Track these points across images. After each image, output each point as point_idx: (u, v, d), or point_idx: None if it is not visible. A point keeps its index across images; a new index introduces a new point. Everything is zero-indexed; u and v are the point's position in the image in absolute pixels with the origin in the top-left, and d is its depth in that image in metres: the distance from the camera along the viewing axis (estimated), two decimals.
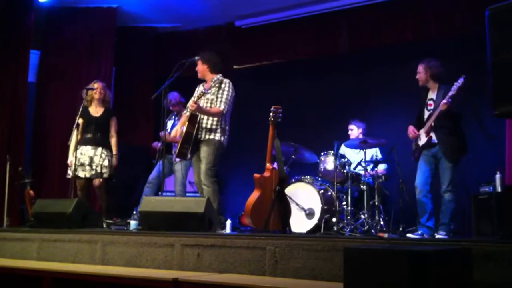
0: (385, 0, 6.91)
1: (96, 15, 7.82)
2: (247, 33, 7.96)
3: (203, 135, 5.23)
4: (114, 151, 5.95)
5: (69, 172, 5.75)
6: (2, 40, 7.18)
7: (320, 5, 7.33)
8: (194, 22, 8.22)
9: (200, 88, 5.48)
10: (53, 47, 7.90)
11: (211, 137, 5.22)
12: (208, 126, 5.23)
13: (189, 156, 5.25)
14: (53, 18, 7.87)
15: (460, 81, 4.90)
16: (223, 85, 5.27)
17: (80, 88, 6.36)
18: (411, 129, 5.32)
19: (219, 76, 5.36)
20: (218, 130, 5.24)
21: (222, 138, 5.27)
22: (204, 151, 5.19)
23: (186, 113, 5.45)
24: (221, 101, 5.23)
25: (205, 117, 5.25)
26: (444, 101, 4.94)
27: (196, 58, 5.43)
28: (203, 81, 5.50)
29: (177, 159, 6.25)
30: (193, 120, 5.17)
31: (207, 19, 8.06)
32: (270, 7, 7.58)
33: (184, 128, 5.20)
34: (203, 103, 5.25)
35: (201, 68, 5.43)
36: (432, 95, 5.28)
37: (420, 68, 5.30)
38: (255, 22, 7.85)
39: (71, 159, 5.79)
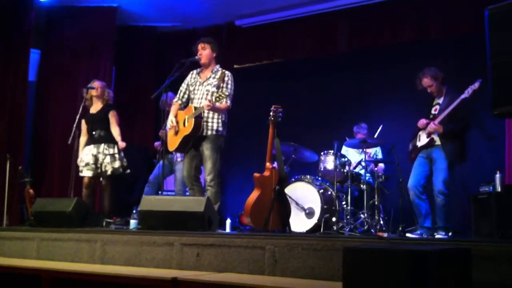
0: None
1: (96, 14, 7.83)
2: (247, 33, 7.96)
3: (205, 132, 5.04)
4: (119, 141, 5.86)
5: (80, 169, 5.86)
6: (3, 39, 7.19)
7: (320, 5, 7.33)
8: (194, 22, 8.22)
9: (196, 77, 5.28)
10: (53, 46, 7.92)
11: (214, 132, 5.05)
12: (210, 123, 5.05)
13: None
14: (53, 17, 7.89)
15: (477, 84, 4.79)
16: (226, 79, 5.07)
17: (79, 87, 6.36)
18: (421, 121, 5.23)
19: (218, 67, 5.24)
20: (220, 125, 5.08)
21: (224, 131, 5.13)
22: (207, 148, 5.01)
23: (176, 101, 5.30)
24: (227, 96, 5.04)
25: (209, 114, 5.06)
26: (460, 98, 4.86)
27: (202, 44, 5.24)
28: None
29: (179, 159, 6.25)
30: (198, 119, 4.99)
31: (207, 18, 8.06)
32: (270, 6, 7.59)
33: (188, 126, 5.01)
34: (203, 94, 5.05)
35: (210, 55, 5.21)
36: (438, 100, 5.24)
37: (428, 81, 5.18)
38: (255, 22, 7.85)
39: (81, 157, 5.84)
